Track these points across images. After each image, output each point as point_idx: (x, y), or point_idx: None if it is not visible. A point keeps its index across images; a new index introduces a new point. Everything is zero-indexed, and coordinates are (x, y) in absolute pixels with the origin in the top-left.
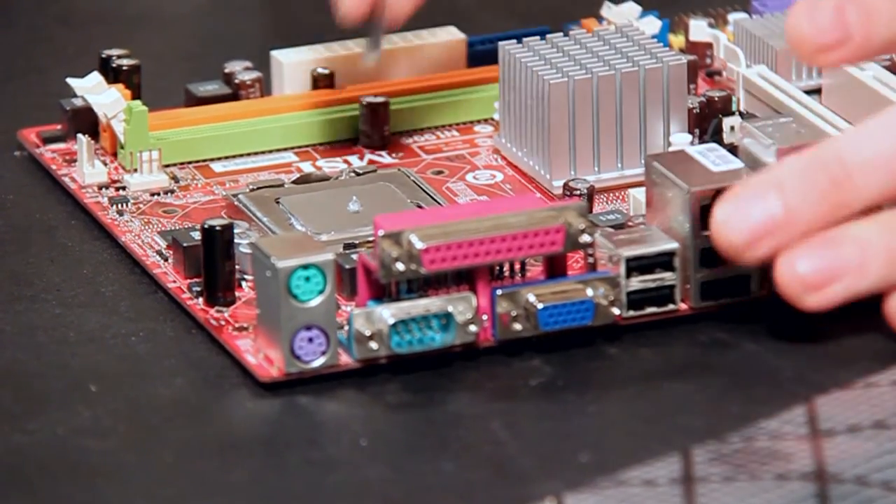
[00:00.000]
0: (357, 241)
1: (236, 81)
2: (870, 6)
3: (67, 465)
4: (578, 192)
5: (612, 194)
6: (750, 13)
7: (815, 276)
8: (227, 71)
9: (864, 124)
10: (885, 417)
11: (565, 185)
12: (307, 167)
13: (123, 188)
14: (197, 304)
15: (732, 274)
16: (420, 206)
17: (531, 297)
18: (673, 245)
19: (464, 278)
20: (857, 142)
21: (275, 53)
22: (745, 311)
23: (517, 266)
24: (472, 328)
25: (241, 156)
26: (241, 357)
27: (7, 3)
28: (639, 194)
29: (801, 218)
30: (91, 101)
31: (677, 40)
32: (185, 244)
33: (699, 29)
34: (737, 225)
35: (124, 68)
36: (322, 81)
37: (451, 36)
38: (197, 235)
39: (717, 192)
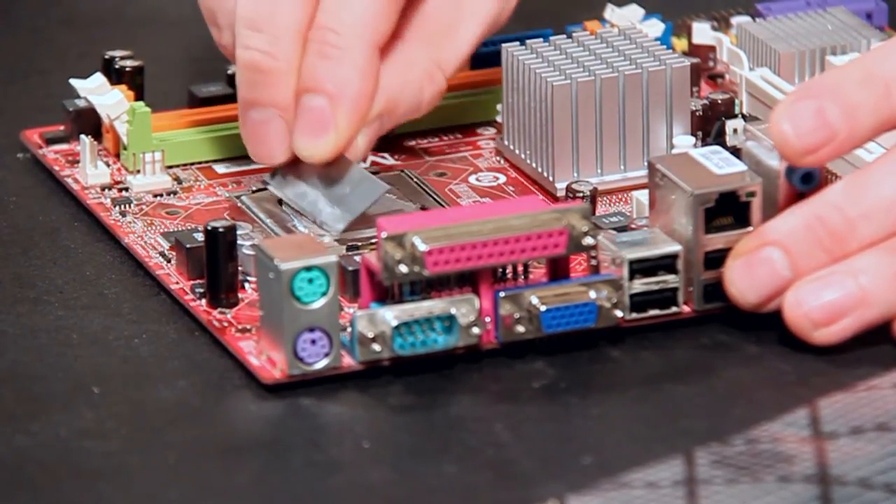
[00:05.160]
0: (360, 243)
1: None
2: (849, 100)
3: (70, 466)
4: (581, 195)
5: (615, 196)
6: (753, 16)
7: (822, 312)
8: (229, 73)
9: (860, 173)
10: (887, 420)
11: (568, 188)
12: None
13: (126, 189)
14: (200, 306)
15: None
16: (423, 209)
17: (534, 300)
18: (676, 247)
19: (467, 280)
20: (856, 193)
21: None
22: (747, 314)
23: (520, 268)
24: (475, 330)
25: (244, 157)
26: (244, 359)
27: (10, 4)
28: (642, 196)
29: (807, 272)
30: (94, 103)
31: (680, 43)
32: (188, 246)
33: (702, 32)
34: (748, 290)
35: (127, 69)
36: None
37: None
38: (200, 237)
39: (721, 195)
